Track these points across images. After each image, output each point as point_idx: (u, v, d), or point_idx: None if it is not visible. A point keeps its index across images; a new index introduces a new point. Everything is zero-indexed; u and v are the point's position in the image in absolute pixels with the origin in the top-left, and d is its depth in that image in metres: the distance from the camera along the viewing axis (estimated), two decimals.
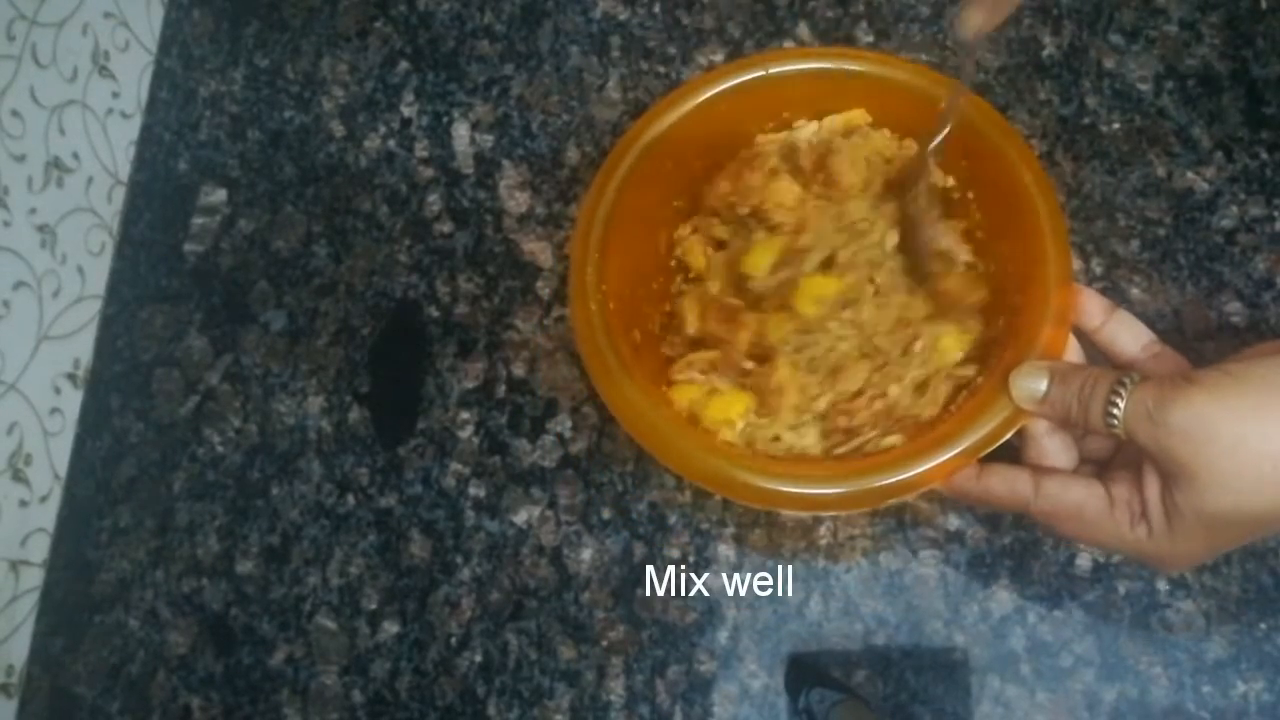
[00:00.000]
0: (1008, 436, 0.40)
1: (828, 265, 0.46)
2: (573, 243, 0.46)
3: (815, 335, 0.45)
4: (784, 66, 0.48)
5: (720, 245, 0.49)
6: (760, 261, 0.47)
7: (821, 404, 0.44)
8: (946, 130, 0.44)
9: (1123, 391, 0.37)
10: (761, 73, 0.48)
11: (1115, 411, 0.37)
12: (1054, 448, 0.41)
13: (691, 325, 0.47)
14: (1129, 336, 0.41)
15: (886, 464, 0.41)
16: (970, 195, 0.47)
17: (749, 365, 0.45)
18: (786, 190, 0.47)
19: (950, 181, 0.48)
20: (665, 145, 0.47)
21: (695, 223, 0.50)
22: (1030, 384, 0.40)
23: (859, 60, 0.48)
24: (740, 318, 0.46)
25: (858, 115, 0.49)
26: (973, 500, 0.42)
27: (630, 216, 0.46)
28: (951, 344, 0.44)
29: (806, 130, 0.49)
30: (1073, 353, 0.42)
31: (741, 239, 0.48)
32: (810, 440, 0.44)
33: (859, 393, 0.44)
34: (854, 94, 0.48)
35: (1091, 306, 0.42)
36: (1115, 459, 0.41)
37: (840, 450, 0.43)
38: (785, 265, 0.46)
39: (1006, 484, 0.40)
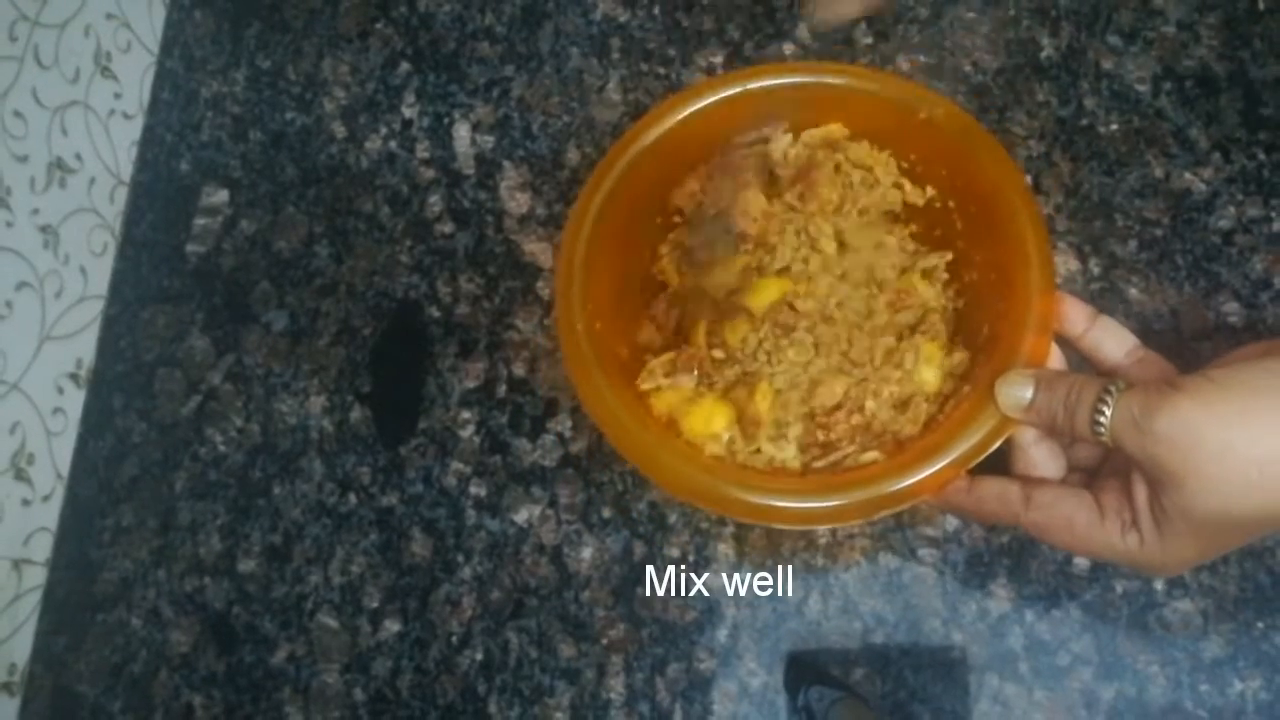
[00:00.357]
0: (996, 445, 0.40)
1: (784, 274, 0.47)
2: (557, 263, 0.46)
3: (781, 348, 0.45)
4: (762, 82, 0.48)
5: (688, 252, 0.50)
6: (722, 281, 0.47)
7: (798, 419, 0.44)
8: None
9: (1109, 399, 0.37)
10: (740, 89, 0.48)
11: (1101, 419, 0.37)
12: (1042, 456, 0.41)
13: (664, 329, 0.48)
14: (1113, 343, 0.41)
15: (877, 476, 0.41)
16: (951, 204, 0.47)
17: (719, 354, 0.46)
18: (754, 201, 0.48)
19: (930, 191, 0.48)
20: (645, 164, 0.47)
21: (671, 238, 0.50)
22: (1016, 392, 0.40)
23: (836, 74, 0.48)
24: (697, 312, 0.47)
25: (836, 129, 0.49)
26: (965, 513, 0.42)
27: (613, 235, 0.46)
28: (930, 375, 0.45)
29: (782, 142, 0.49)
30: (1055, 361, 0.42)
31: (707, 251, 0.48)
32: (789, 454, 0.44)
33: (837, 406, 0.44)
34: (832, 107, 0.49)
35: (1074, 313, 0.42)
36: (1104, 466, 0.41)
37: (818, 464, 0.43)
38: (746, 281, 0.47)
39: (998, 496, 0.40)
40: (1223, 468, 0.34)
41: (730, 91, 0.48)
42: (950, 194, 0.47)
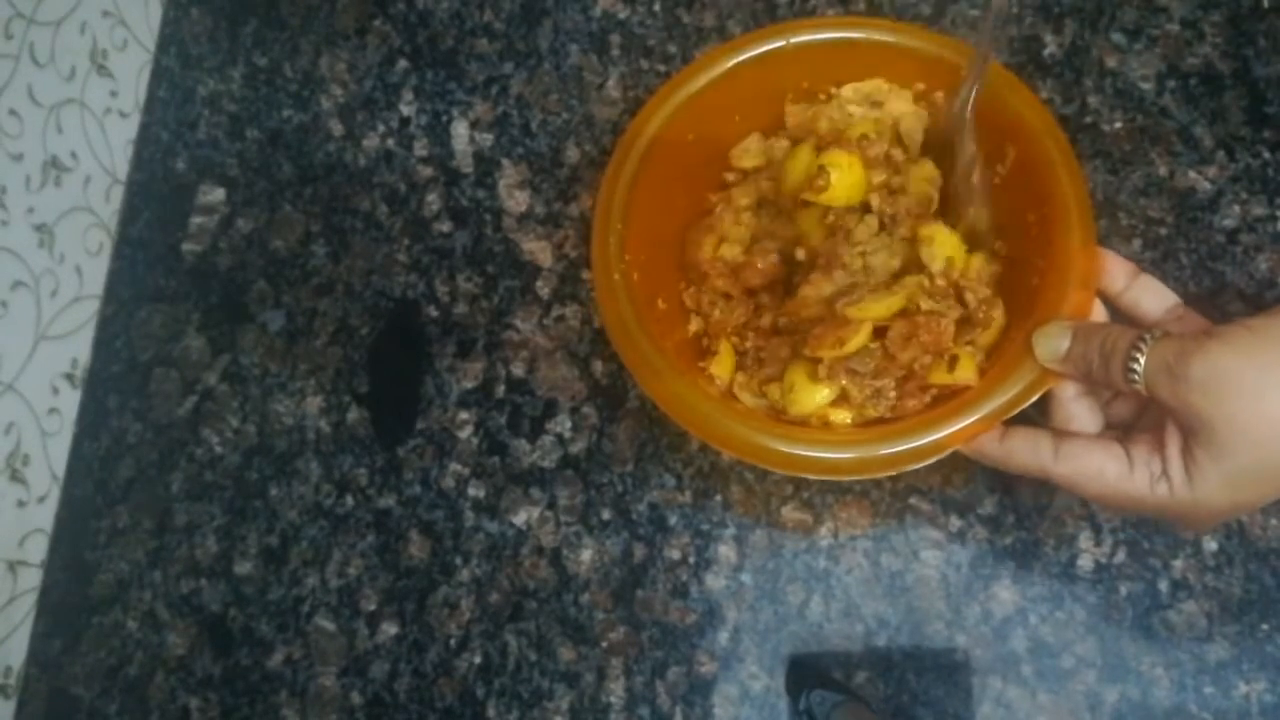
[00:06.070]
0: (1031, 401, 0.40)
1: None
2: (595, 213, 0.46)
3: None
4: (806, 36, 0.48)
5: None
6: (795, 168, 0.47)
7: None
8: (975, 90, 0.43)
9: (1143, 347, 0.36)
10: (782, 43, 0.48)
11: (1136, 367, 0.36)
12: (1080, 411, 0.41)
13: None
14: (1153, 300, 0.41)
15: (910, 429, 0.41)
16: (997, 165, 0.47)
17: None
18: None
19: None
20: (688, 114, 0.48)
21: (735, 193, 0.50)
22: (1053, 342, 0.39)
23: (880, 29, 0.48)
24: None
25: (879, 83, 0.49)
26: (995, 462, 0.42)
27: (653, 186, 0.47)
28: (967, 364, 0.44)
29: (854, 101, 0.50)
30: (1097, 317, 0.42)
31: (769, 216, 0.49)
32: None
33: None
34: (874, 63, 0.49)
35: (1115, 270, 0.42)
36: (1139, 423, 0.41)
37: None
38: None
39: (1029, 446, 0.40)
40: (1257, 415, 0.34)
41: (773, 45, 0.48)
42: (992, 151, 0.47)
